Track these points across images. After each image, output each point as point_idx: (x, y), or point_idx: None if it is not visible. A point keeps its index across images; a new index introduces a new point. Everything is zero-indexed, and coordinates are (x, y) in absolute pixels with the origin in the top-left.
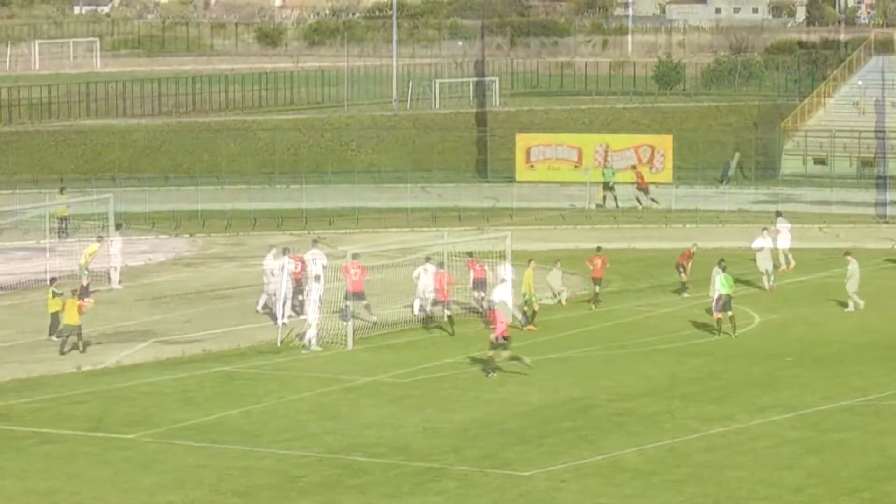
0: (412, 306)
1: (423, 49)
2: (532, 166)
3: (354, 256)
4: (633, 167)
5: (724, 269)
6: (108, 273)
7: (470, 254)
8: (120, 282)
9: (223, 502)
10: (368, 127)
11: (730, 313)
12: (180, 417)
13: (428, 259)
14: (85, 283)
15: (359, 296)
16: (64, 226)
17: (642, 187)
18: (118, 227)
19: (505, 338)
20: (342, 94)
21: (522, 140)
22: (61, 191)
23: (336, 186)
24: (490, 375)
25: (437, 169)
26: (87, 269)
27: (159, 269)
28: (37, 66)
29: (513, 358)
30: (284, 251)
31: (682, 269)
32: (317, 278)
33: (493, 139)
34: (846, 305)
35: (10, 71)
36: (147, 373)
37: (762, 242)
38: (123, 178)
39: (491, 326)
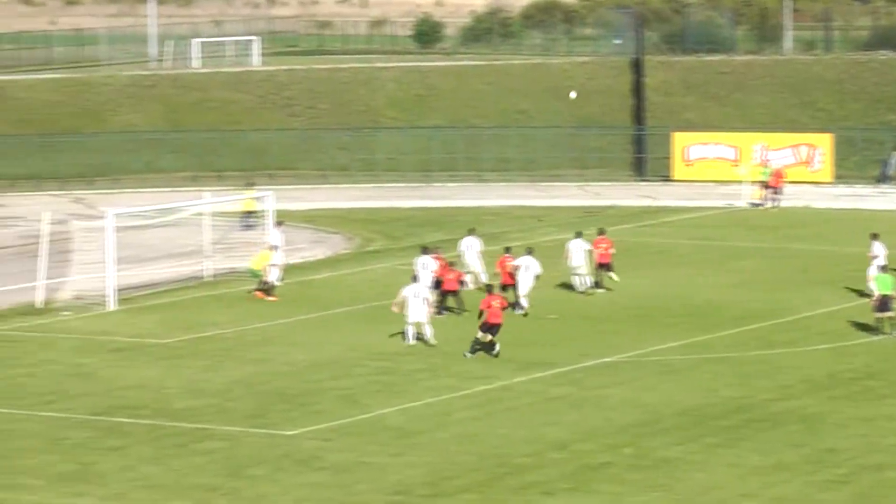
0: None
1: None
2: (689, 164)
3: (507, 250)
4: (766, 165)
5: (883, 270)
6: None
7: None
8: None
9: None
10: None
11: (890, 314)
12: None
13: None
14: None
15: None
16: (250, 220)
17: (774, 186)
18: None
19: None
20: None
21: (679, 139)
22: (248, 185)
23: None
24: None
25: (594, 167)
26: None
27: None
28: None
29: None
30: (424, 251)
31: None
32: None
33: (651, 137)
34: None
35: (170, 70)
36: None
37: None
38: None
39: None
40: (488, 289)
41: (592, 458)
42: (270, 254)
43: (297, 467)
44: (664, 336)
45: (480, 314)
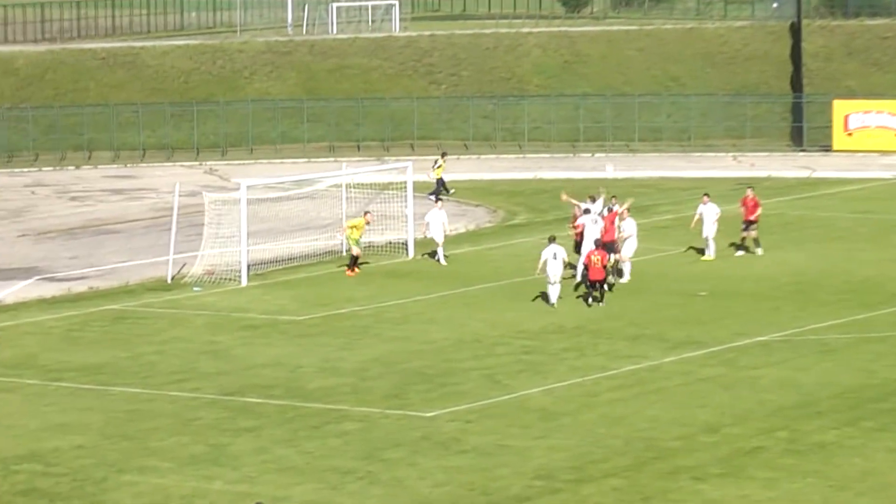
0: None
1: None
2: (850, 134)
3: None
4: None
5: None
6: None
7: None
8: None
9: (111, 447)
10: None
11: None
12: (66, 359)
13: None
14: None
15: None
16: (440, 187)
17: None
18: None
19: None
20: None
21: (840, 107)
22: (443, 155)
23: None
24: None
25: (749, 137)
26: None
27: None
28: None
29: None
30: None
31: None
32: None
33: (810, 105)
34: None
35: (307, 36)
36: (32, 312)
37: None
38: (6, 107)
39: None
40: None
41: (745, 443)
42: (361, 223)
43: (436, 450)
44: (822, 314)
45: (585, 269)
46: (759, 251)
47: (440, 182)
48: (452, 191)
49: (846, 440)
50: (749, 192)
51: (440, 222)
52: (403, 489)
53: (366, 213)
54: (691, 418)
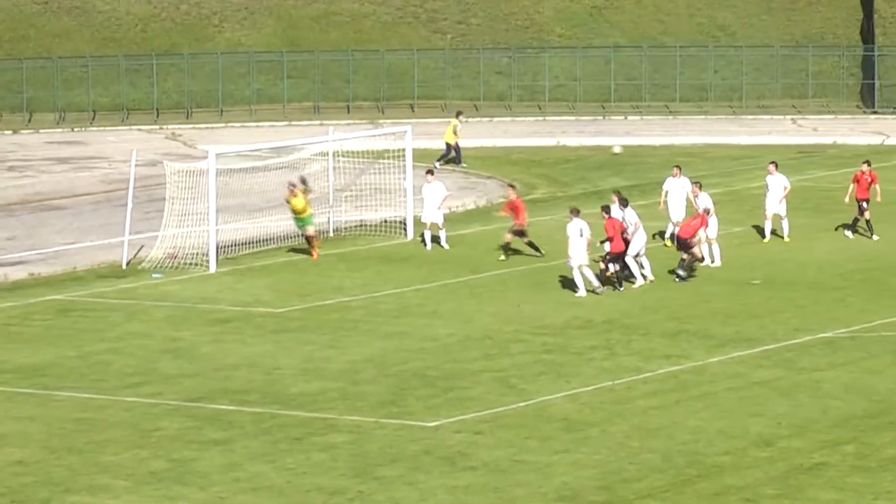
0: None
1: None
2: None
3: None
4: None
5: None
6: None
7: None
8: None
9: (57, 463)
10: None
11: None
12: (2, 358)
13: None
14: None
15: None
16: (452, 153)
17: None
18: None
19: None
20: None
21: None
22: (457, 115)
23: None
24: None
25: (811, 96)
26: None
27: None
28: None
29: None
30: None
31: None
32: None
33: (883, 59)
34: None
35: None
36: None
37: None
38: None
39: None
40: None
41: (805, 458)
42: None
43: (441, 466)
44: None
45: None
46: (875, 237)
47: (452, 148)
48: (464, 164)
49: None
50: (864, 167)
51: (435, 198)
52: None
53: (292, 185)
54: (742, 429)
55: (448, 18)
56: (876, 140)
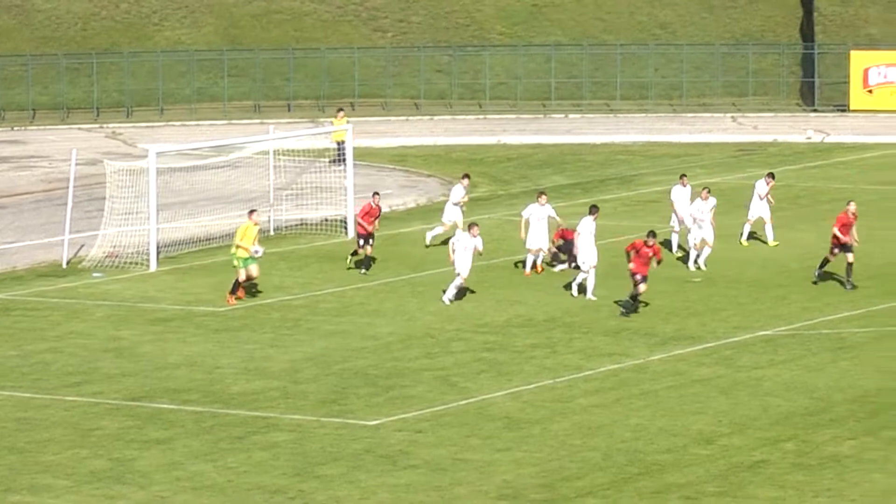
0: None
1: None
2: (870, 91)
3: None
4: None
5: None
6: None
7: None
8: None
9: None
10: None
11: None
12: None
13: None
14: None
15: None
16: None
17: None
18: None
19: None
20: None
21: (858, 59)
22: (338, 111)
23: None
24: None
25: (752, 94)
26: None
27: None
28: None
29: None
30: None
31: None
32: None
33: (823, 57)
34: None
35: None
36: None
37: None
38: None
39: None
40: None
41: (746, 456)
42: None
43: (381, 465)
44: (837, 304)
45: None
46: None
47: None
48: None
49: (865, 453)
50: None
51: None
52: None
53: (251, 211)
54: (683, 427)
55: (388, 17)
56: (816, 138)
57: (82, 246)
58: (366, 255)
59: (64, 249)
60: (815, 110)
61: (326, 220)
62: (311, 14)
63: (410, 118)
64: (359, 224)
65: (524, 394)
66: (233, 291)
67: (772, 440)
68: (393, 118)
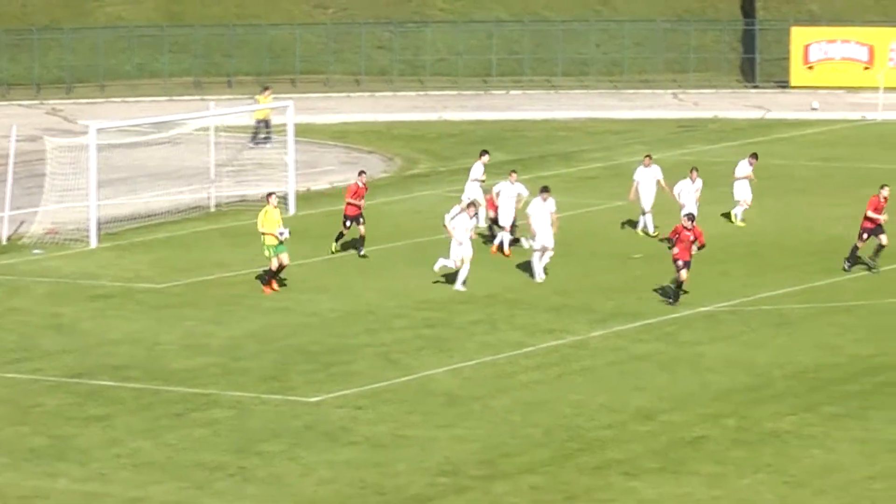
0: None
1: None
2: (811, 68)
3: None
4: None
5: None
6: None
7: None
8: None
9: None
10: None
11: None
12: None
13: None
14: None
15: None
16: (264, 133)
17: None
18: None
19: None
20: None
21: (799, 35)
22: (264, 89)
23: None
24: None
25: (693, 70)
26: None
27: None
28: None
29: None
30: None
31: None
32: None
33: (764, 33)
34: None
35: None
36: None
37: None
38: None
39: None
40: None
41: (686, 432)
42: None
43: (322, 442)
44: (777, 280)
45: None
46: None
47: (264, 124)
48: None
49: (804, 428)
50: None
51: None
52: (283, 487)
53: (269, 194)
54: (623, 403)
55: None
56: (757, 114)
57: (22, 223)
58: (360, 236)
59: (3, 226)
60: (755, 87)
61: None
62: None
63: (352, 95)
64: (349, 204)
65: (465, 370)
66: (266, 283)
67: (712, 416)
68: (334, 95)
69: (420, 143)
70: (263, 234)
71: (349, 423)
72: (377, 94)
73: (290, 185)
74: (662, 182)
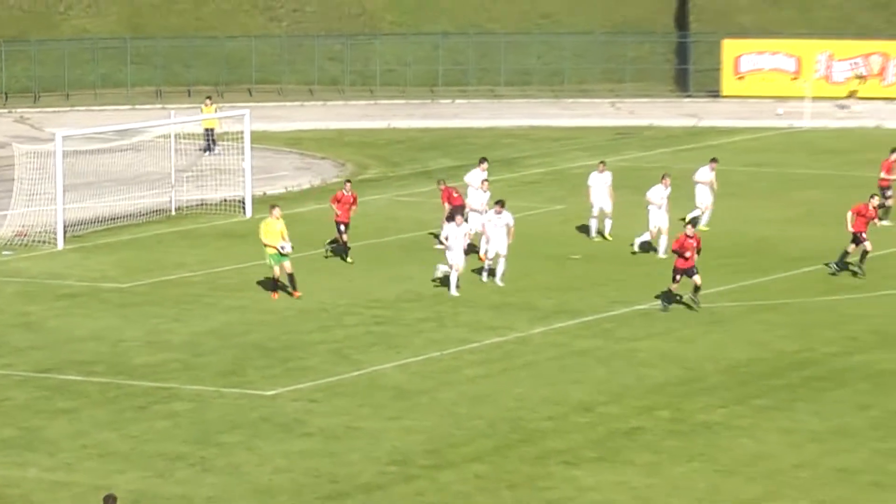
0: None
1: None
2: (741, 78)
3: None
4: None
5: None
6: None
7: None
8: None
9: None
10: None
11: None
12: None
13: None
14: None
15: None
16: (210, 141)
17: None
18: None
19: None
20: None
21: (730, 47)
22: (207, 98)
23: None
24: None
25: (629, 81)
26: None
27: None
28: None
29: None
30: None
31: None
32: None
33: (697, 45)
34: None
35: None
36: None
37: None
38: None
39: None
40: None
41: (622, 423)
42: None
43: (278, 433)
44: (709, 279)
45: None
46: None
47: (209, 133)
48: (217, 150)
49: (735, 420)
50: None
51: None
52: (240, 476)
53: (272, 207)
54: (563, 396)
55: (284, 7)
56: (690, 122)
57: None
58: (343, 242)
59: None
60: (688, 96)
61: (226, 200)
62: (209, 4)
63: (305, 103)
64: (335, 213)
65: (413, 365)
66: (273, 289)
67: (647, 408)
68: (288, 103)
69: (370, 149)
70: (265, 245)
71: (304, 415)
72: (329, 103)
73: (247, 190)
74: (610, 188)
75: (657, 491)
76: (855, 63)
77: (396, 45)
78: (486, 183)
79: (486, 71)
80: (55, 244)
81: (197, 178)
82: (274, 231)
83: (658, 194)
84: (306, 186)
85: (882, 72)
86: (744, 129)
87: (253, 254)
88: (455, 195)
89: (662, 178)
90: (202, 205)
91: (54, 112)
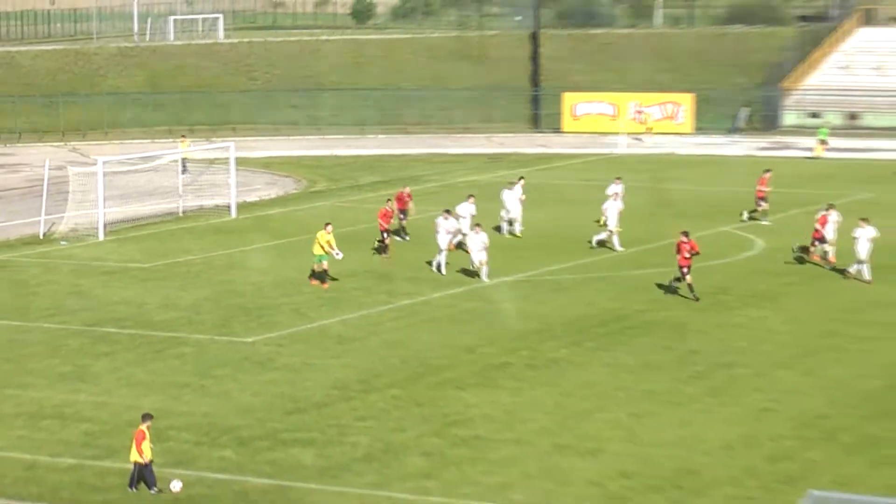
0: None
1: None
2: (577, 119)
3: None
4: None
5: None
6: None
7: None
8: None
9: None
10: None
11: None
12: None
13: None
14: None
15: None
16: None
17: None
18: None
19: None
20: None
21: (569, 98)
22: (181, 136)
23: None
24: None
25: (499, 121)
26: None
27: None
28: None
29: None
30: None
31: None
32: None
33: (545, 97)
34: None
35: (150, 42)
36: None
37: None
38: None
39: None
40: None
41: (496, 359)
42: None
43: (255, 368)
44: (556, 259)
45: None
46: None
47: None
48: (187, 172)
49: (573, 357)
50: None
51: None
52: (229, 399)
53: (326, 224)
54: (454, 341)
55: (258, 70)
56: (541, 150)
57: (53, 224)
58: (385, 245)
59: (41, 226)
60: (540, 132)
61: (217, 205)
62: (206, 68)
63: (273, 138)
64: (380, 223)
65: (350, 320)
66: (315, 278)
67: (513, 349)
68: (262, 138)
69: (319, 169)
70: (321, 246)
71: (273, 356)
72: (291, 137)
73: (232, 198)
74: (522, 197)
75: (520, 406)
76: (643, 110)
77: (338, 97)
78: (473, 212)
79: (399, 115)
80: (97, 237)
81: (197, 190)
82: (324, 241)
83: (467, 210)
84: (273, 196)
85: (674, 115)
86: (578, 155)
87: (237, 243)
88: (406, 198)
89: (468, 197)
90: (201, 209)
91: (97, 144)
